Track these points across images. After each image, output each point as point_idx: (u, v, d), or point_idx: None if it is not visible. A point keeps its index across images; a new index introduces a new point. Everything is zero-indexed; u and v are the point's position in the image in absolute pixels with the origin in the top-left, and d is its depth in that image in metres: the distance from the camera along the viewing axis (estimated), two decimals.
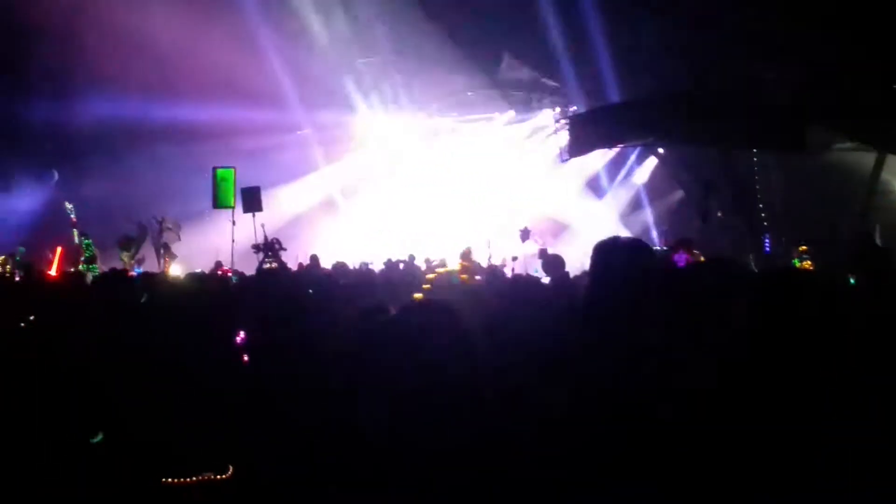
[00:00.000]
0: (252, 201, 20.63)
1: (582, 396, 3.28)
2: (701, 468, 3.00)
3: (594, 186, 32.58)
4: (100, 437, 4.81)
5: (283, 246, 20.16)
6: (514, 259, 23.37)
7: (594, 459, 3.14)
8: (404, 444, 4.06)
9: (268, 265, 18.93)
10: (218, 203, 21.53)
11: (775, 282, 3.71)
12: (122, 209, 25.87)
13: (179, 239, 25.41)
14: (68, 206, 25.12)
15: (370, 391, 5.13)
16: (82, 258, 22.93)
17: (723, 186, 21.42)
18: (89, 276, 18.76)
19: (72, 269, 21.80)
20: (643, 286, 3.52)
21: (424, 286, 9.77)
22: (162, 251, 24.59)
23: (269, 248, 20.15)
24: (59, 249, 23.71)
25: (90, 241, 23.40)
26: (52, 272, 21.83)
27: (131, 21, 25.36)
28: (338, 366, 5.46)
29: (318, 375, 5.22)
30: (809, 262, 18.61)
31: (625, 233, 29.23)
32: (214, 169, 21.62)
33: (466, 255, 18.39)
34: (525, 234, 26.65)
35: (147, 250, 24.99)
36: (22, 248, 22.88)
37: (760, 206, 21.49)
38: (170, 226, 25.41)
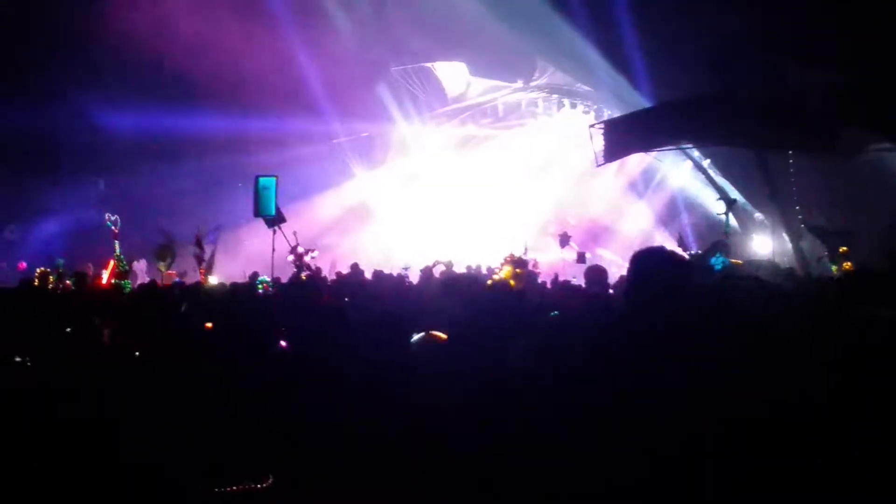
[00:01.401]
0: (275, 217, 20.83)
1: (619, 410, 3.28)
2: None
3: (635, 188, 32.58)
4: None
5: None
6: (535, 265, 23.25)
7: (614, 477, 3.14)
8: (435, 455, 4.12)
9: (303, 274, 19.04)
10: (259, 212, 21.62)
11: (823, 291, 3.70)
12: (163, 219, 25.98)
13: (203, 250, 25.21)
14: (110, 217, 25.27)
15: (403, 403, 5.19)
16: (119, 271, 23.11)
17: (759, 188, 21.29)
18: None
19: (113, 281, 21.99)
20: (683, 302, 3.52)
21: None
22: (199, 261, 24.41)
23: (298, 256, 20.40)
24: (111, 262, 23.76)
25: (122, 256, 23.57)
26: (104, 281, 22.03)
27: (174, 34, 25.64)
28: (373, 376, 5.53)
29: (356, 386, 5.27)
30: (849, 264, 18.39)
31: (662, 235, 29.20)
32: (257, 177, 21.69)
33: (518, 261, 17.92)
34: (564, 240, 26.55)
35: (187, 263, 24.94)
36: (61, 260, 22.97)
37: (797, 207, 21.30)
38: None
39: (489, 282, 9.44)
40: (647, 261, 3.69)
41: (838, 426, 3.02)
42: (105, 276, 22.76)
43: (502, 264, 10.48)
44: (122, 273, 23.00)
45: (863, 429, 2.99)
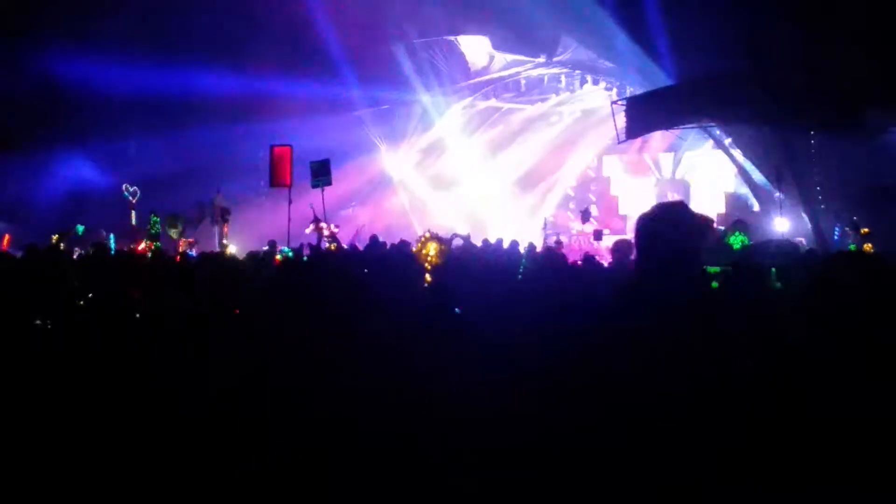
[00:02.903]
0: (321, 175, 20.45)
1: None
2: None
3: (657, 165, 32.62)
4: None
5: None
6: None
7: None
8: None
9: (328, 245, 18.99)
10: (274, 181, 21.51)
11: (835, 264, 3.64)
12: (180, 186, 25.76)
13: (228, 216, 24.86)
14: (129, 188, 25.21)
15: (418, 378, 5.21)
16: (149, 233, 23.11)
17: (781, 168, 21.25)
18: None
19: (132, 248, 21.96)
20: (690, 246, 3.41)
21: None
22: (219, 220, 24.19)
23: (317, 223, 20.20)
24: (142, 242, 23.58)
25: (158, 218, 23.52)
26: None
27: None
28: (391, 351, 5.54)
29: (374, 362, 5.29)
30: (870, 245, 18.34)
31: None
32: (271, 146, 21.58)
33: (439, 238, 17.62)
34: (586, 215, 26.59)
35: (199, 232, 24.84)
36: (81, 227, 22.76)
37: (818, 188, 21.24)
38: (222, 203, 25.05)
39: (427, 268, 9.55)
40: (656, 221, 3.55)
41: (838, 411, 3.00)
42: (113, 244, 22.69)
43: (425, 241, 10.58)
44: (154, 235, 23.04)
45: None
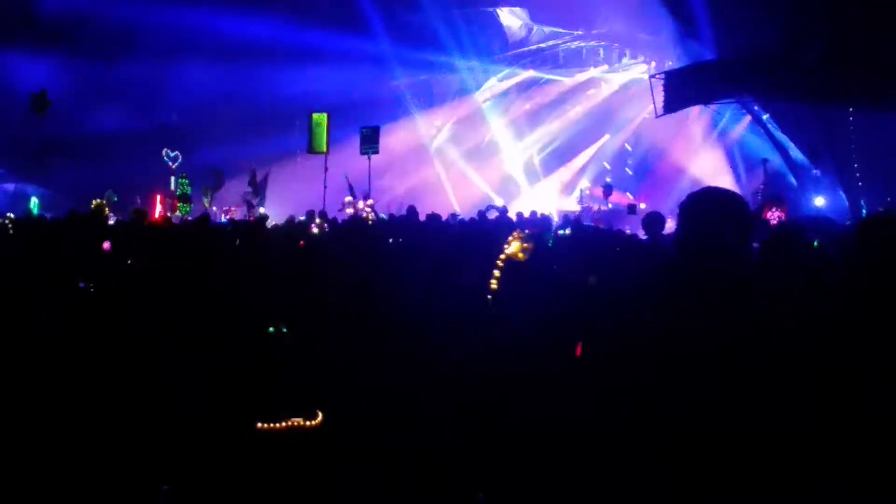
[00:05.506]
0: (371, 142, 20.76)
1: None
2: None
3: (694, 140, 32.35)
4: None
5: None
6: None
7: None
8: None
9: (366, 214, 19.08)
10: (312, 148, 21.68)
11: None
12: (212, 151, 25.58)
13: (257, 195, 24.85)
14: (170, 153, 25.24)
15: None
16: (177, 194, 23.21)
17: (819, 145, 21.11)
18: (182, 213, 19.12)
19: (168, 215, 22.11)
20: (738, 235, 3.39)
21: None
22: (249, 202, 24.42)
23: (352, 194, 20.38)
24: (158, 197, 23.60)
25: (186, 180, 23.62)
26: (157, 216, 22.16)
27: None
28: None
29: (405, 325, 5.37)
30: None
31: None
32: (310, 114, 21.71)
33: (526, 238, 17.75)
34: (608, 190, 26.58)
35: (231, 199, 24.98)
36: (110, 192, 22.66)
37: (855, 165, 21.04)
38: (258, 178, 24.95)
39: (502, 256, 9.69)
40: (709, 202, 3.52)
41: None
42: (158, 210, 22.78)
43: (511, 240, 10.70)
44: (184, 197, 23.15)
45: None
